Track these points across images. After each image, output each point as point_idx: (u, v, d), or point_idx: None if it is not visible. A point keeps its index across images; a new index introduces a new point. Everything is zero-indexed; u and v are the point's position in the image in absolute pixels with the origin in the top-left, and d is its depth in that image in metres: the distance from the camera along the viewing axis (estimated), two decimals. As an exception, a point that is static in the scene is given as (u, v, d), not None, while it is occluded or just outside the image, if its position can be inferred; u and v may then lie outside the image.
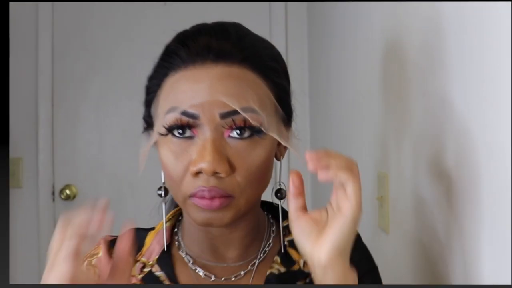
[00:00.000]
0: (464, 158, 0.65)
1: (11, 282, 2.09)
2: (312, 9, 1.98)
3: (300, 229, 0.55)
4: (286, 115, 0.62)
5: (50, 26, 2.11)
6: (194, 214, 0.58)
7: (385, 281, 0.70)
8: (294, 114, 0.65)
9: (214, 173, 0.55)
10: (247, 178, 0.57)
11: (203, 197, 0.56)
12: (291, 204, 0.55)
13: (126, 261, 0.52)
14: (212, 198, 0.56)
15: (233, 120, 0.56)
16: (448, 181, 0.70)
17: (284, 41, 2.11)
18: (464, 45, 0.64)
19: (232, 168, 0.56)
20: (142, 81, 0.66)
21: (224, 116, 0.56)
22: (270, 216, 0.71)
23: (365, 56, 1.16)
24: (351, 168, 0.52)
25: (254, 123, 0.56)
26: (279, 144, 0.63)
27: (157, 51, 0.74)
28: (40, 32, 2.10)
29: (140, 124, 0.68)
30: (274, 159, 0.63)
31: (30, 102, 2.11)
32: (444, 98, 0.71)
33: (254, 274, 0.65)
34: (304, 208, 0.55)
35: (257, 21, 2.10)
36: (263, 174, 0.59)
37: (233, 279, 0.64)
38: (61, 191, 2.11)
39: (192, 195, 0.57)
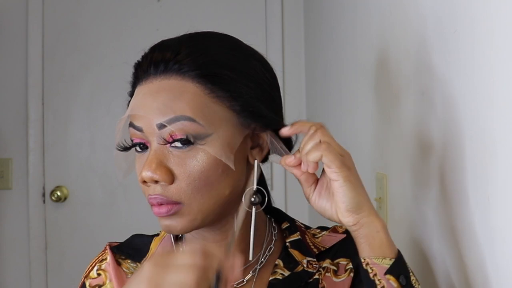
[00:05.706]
0: (463, 159, 0.65)
1: (0, 286, 2.06)
2: (309, 3, 1.96)
3: (319, 203, 0.62)
4: (257, 121, 0.61)
5: (41, 23, 2.08)
6: (159, 221, 0.62)
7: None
8: (271, 118, 0.63)
9: (155, 181, 0.59)
10: (193, 185, 0.59)
11: (153, 205, 0.60)
12: (301, 183, 0.63)
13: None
14: (159, 205, 0.59)
15: (169, 132, 0.58)
16: (447, 182, 0.70)
17: (280, 36, 2.09)
18: (462, 44, 0.64)
19: (173, 176, 0.59)
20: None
21: (160, 127, 0.58)
22: (273, 220, 0.72)
23: (363, 53, 1.15)
24: (314, 140, 0.60)
25: (181, 134, 0.57)
26: (253, 147, 0.63)
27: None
28: (30, 29, 2.07)
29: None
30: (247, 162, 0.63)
31: (20, 102, 2.08)
32: (443, 98, 0.71)
33: (255, 280, 0.66)
34: (315, 181, 0.63)
35: (252, 16, 2.08)
36: (211, 180, 0.59)
37: (235, 286, 0.65)
38: (52, 193, 2.08)
39: (150, 204, 0.61)
